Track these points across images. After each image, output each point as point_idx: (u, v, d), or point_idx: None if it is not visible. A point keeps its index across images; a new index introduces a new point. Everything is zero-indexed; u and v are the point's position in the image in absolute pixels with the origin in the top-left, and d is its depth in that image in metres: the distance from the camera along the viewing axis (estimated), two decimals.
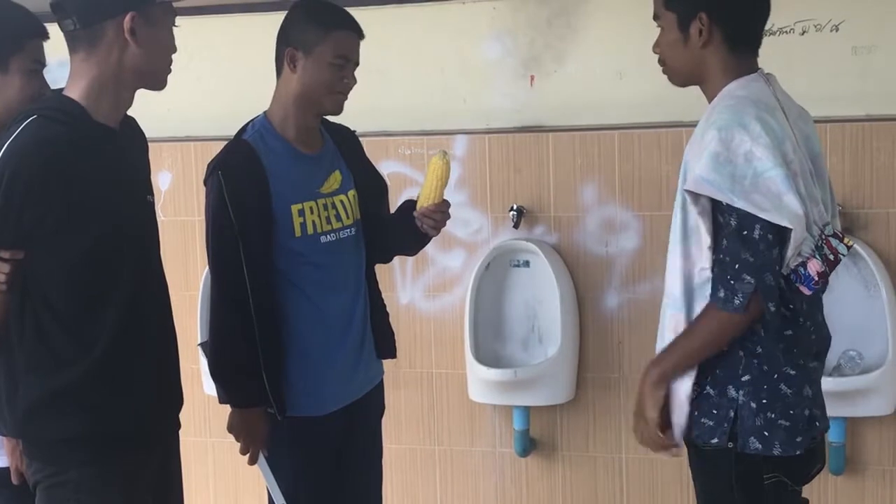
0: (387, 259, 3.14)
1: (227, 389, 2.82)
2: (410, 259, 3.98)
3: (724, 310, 2.25)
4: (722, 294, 2.25)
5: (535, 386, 3.75)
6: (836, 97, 3.58)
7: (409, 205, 2.93)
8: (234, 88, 4.07)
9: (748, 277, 2.21)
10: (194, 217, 4.11)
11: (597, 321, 3.86)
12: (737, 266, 2.22)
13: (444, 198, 2.86)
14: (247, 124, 2.86)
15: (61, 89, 2.37)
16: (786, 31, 3.56)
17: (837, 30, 3.59)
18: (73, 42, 2.32)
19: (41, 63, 2.56)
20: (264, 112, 2.86)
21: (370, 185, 3.00)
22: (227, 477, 4.26)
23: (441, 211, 2.85)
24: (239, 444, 2.83)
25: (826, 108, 3.48)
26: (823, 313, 2.45)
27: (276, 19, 4.02)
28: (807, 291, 2.28)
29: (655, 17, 2.45)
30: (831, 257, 2.30)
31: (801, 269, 2.27)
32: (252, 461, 2.83)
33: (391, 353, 3.07)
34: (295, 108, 2.80)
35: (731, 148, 2.21)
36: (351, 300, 2.89)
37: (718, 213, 2.26)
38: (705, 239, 2.27)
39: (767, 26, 3.43)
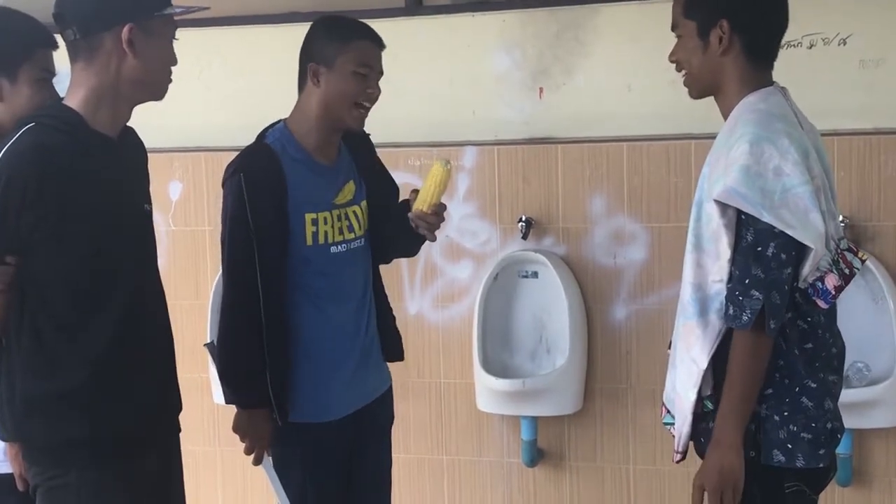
0: (386, 260, 3.12)
1: (234, 390, 2.84)
2: (419, 269, 3.99)
3: (736, 327, 2.25)
4: (731, 311, 2.25)
5: (543, 396, 3.76)
6: (844, 111, 3.59)
7: (405, 205, 2.94)
8: (245, 99, 4.10)
9: (757, 293, 2.22)
10: (205, 227, 4.12)
11: (605, 332, 3.87)
12: (746, 281, 2.23)
13: (442, 201, 2.87)
14: (266, 129, 2.88)
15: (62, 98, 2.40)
16: (793, 45, 3.57)
17: (845, 43, 3.61)
18: (73, 52, 2.35)
19: (50, 72, 2.58)
20: (284, 121, 2.88)
21: (381, 188, 3.01)
22: (236, 486, 4.27)
23: (436, 214, 2.86)
24: (244, 445, 2.85)
25: (833, 122, 3.49)
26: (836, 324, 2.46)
27: (287, 31, 4.08)
28: (823, 305, 2.30)
29: (674, 28, 2.46)
30: (847, 271, 2.32)
31: (819, 284, 2.28)
32: (256, 462, 2.86)
33: (399, 355, 3.09)
34: (317, 123, 2.82)
35: (762, 162, 2.22)
36: (358, 308, 2.92)
37: (738, 227, 2.27)
38: (724, 252, 2.27)
39: None
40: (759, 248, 2.23)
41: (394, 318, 3.10)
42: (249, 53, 4.16)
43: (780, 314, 2.25)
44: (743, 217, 2.25)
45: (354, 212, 2.91)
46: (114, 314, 2.34)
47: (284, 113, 2.91)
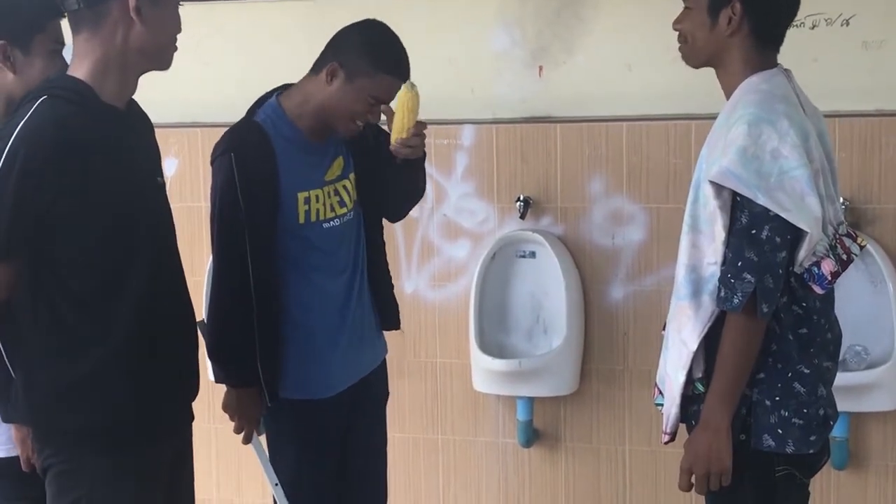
0: (401, 214, 3.12)
1: (224, 369, 2.84)
2: (416, 248, 3.97)
3: (727, 310, 2.24)
4: (722, 293, 2.24)
5: (540, 377, 3.75)
6: (846, 92, 3.56)
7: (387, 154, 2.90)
8: (242, 74, 4.06)
9: (749, 276, 2.20)
10: (200, 203, 4.09)
11: (602, 313, 3.86)
12: (739, 264, 2.22)
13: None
14: (256, 105, 2.85)
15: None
16: (796, 26, 3.49)
17: (848, 24, 3.58)
18: (76, 22, 2.29)
19: (61, 43, 2.54)
20: (277, 95, 2.84)
21: (376, 142, 2.95)
22: (230, 462, 4.27)
23: (416, 135, 2.80)
24: (234, 424, 2.85)
25: (836, 103, 3.47)
26: (834, 310, 2.44)
27: (285, 5, 4.05)
28: (819, 291, 2.28)
29: None
30: (844, 257, 2.30)
31: (815, 269, 2.26)
32: (246, 440, 2.86)
33: (395, 324, 3.08)
34: (313, 113, 2.80)
35: (759, 143, 2.20)
36: (349, 280, 2.91)
37: (733, 209, 2.25)
38: (719, 234, 2.26)
39: None
40: (754, 231, 2.21)
41: (392, 286, 3.09)
42: (247, 28, 4.13)
43: (774, 298, 2.23)
44: (738, 199, 2.23)
45: (344, 186, 2.89)
46: (134, 292, 2.29)
47: None
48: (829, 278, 2.27)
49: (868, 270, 3.52)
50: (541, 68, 3.88)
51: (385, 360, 3.10)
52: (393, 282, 3.13)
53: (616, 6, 3.78)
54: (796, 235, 2.23)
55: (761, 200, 2.19)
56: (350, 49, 2.76)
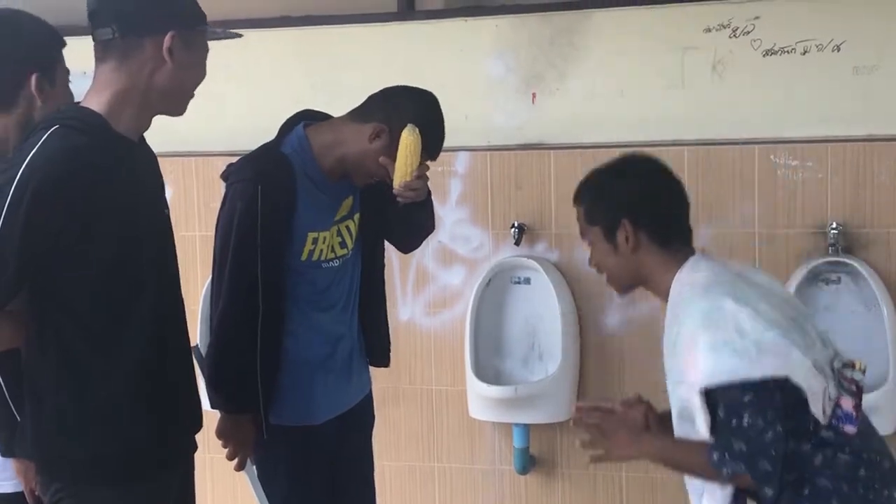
0: (415, 244, 3.14)
1: (223, 395, 2.83)
2: (411, 275, 3.98)
3: (713, 467, 2.22)
4: (715, 457, 2.21)
5: (536, 403, 3.75)
6: (838, 117, 3.58)
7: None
8: (237, 104, 4.08)
9: (742, 465, 2.18)
10: (194, 232, 4.10)
11: (597, 339, 3.86)
12: (734, 450, 2.19)
13: (422, 165, 2.80)
14: (285, 132, 2.85)
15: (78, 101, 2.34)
16: (787, 51, 3.56)
17: (839, 50, 3.60)
18: (103, 51, 2.28)
19: (68, 72, 2.56)
20: (306, 129, 2.84)
21: (378, 190, 2.96)
22: (226, 493, 4.25)
23: (419, 177, 2.80)
24: (227, 451, 2.84)
25: (827, 128, 3.48)
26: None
27: (278, 35, 4.07)
28: (852, 430, 2.24)
29: (583, 235, 2.49)
30: (854, 389, 2.27)
31: (838, 411, 2.24)
32: (239, 467, 2.85)
33: (384, 362, 3.10)
34: (338, 157, 2.81)
35: (721, 329, 2.20)
36: (341, 313, 2.93)
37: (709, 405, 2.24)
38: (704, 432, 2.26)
39: (769, 46, 3.46)
40: (734, 421, 2.19)
41: (387, 323, 3.10)
42: (241, 58, 4.13)
43: (774, 479, 2.19)
44: (711, 394, 2.21)
45: (348, 226, 2.90)
46: (141, 322, 2.28)
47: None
48: (854, 413, 2.24)
49: (861, 294, 3.53)
50: (534, 95, 3.90)
51: (371, 390, 3.11)
52: (388, 309, 3.13)
53: (609, 34, 3.81)
54: (794, 399, 2.19)
55: (756, 375, 2.16)
56: (403, 120, 2.76)
